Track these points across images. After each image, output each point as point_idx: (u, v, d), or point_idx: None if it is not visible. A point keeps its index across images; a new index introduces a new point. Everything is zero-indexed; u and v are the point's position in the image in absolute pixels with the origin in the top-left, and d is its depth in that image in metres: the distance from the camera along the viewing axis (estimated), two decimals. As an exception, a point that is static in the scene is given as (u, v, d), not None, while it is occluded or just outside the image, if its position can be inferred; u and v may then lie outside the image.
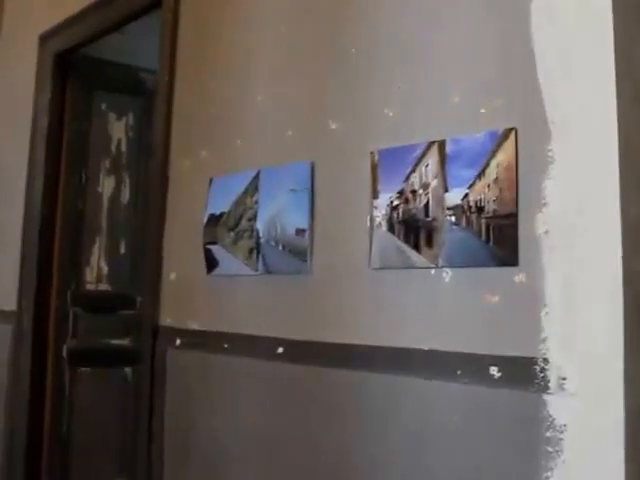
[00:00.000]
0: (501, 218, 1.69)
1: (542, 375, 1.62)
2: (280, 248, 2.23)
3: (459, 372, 1.78)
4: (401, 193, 1.90)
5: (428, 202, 1.85)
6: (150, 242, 2.84)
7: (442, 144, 1.84)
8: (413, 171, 1.88)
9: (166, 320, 2.76)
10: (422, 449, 1.84)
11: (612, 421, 1.49)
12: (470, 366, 1.76)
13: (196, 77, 2.79)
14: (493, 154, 1.71)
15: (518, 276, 1.69)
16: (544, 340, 1.63)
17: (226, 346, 2.47)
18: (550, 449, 1.59)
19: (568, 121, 1.63)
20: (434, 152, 1.85)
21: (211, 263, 2.50)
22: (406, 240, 1.87)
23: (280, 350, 2.26)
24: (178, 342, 2.68)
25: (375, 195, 1.95)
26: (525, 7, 1.73)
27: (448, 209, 1.77)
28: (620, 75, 1.56)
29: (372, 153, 2.01)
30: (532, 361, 1.64)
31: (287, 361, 2.24)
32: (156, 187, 2.84)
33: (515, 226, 1.69)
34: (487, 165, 1.72)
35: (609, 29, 1.58)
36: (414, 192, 1.87)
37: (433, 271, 1.86)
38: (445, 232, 1.78)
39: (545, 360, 1.62)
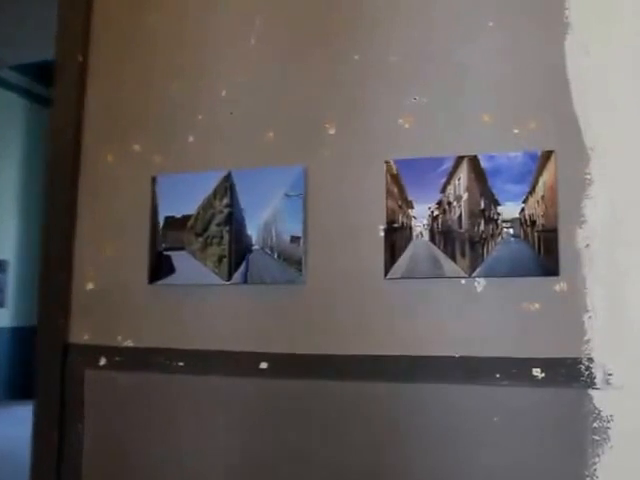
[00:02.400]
0: (547, 232, 1.85)
1: (587, 373, 1.81)
2: (276, 256, 2.07)
3: (497, 375, 1.88)
4: (440, 204, 1.94)
5: (461, 214, 1.93)
6: (53, 246, 2.36)
7: (474, 159, 1.93)
8: (448, 183, 1.94)
9: (82, 337, 2.32)
10: (454, 451, 1.89)
11: (656, 409, 1.75)
12: (510, 369, 1.87)
13: (120, 59, 2.42)
14: (540, 173, 1.87)
15: (559, 285, 1.86)
16: (587, 341, 1.82)
17: (181, 364, 2.18)
18: (597, 437, 1.79)
19: (605, 147, 1.86)
20: (465, 166, 1.93)
21: (162, 271, 2.20)
22: (445, 250, 1.92)
23: (263, 365, 2.09)
24: (103, 362, 2.28)
25: (409, 205, 1.96)
26: (560, 37, 1.93)
27: (504, 221, 1.87)
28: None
29: (387, 162, 2.01)
30: (576, 361, 1.82)
31: (274, 377, 2.08)
32: (60, 183, 2.38)
33: (556, 240, 1.86)
34: (536, 182, 1.86)
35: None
36: (450, 204, 1.93)
37: (464, 281, 1.94)
38: (495, 243, 1.88)
39: (590, 359, 1.81)
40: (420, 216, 1.94)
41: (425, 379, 1.94)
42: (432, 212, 1.94)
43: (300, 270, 2.05)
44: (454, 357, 1.92)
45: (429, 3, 2.08)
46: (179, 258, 2.18)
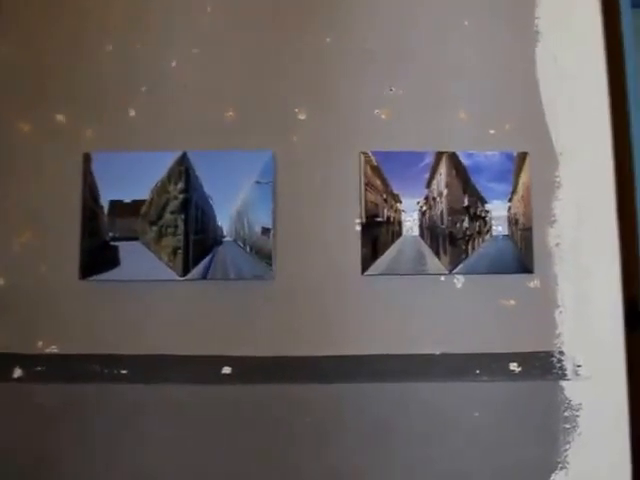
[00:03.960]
0: (525, 231, 1.91)
1: (559, 365, 1.91)
2: (248, 249, 1.88)
3: (477, 371, 1.90)
4: (427, 199, 1.90)
5: (442, 210, 1.91)
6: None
7: (453, 156, 1.93)
8: (432, 178, 1.91)
9: (-14, 344, 1.90)
10: (438, 447, 1.88)
11: (618, 396, 1.90)
12: (489, 365, 1.90)
13: (41, 15, 2.01)
14: (518, 173, 1.92)
15: (533, 282, 1.93)
16: (558, 335, 1.92)
17: (124, 372, 1.89)
18: (568, 425, 1.89)
19: (571, 153, 1.97)
20: (444, 162, 1.93)
21: (101, 264, 1.88)
22: (431, 246, 1.89)
23: (227, 370, 1.89)
24: (18, 373, 1.89)
25: (396, 199, 1.89)
26: (531, 44, 2.01)
27: (494, 219, 1.88)
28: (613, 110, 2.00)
29: (365, 154, 1.93)
30: (549, 354, 1.91)
31: (239, 382, 1.89)
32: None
33: (531, 239, 1.93)
34: (517, 182, 1.91)
35: (603, 73, 2.01)
36: (434, 199, 1.91)
37: (443, 278, 1.93)
38: (482, 240, 1.89)
39: (561, 352, 1.91)
40: (410, 210, 1.89)
41: (406, 378, 1.90)
42: (421, 207, 1.90)
43: (271, 264, 1.89)
44: (435, 355, 1.91)
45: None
46: (129, 249, 1.88)
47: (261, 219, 1.90)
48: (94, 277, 1.89)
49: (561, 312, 1.93)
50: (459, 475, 1.88)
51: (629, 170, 2.02)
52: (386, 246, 1.89)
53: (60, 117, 1.98)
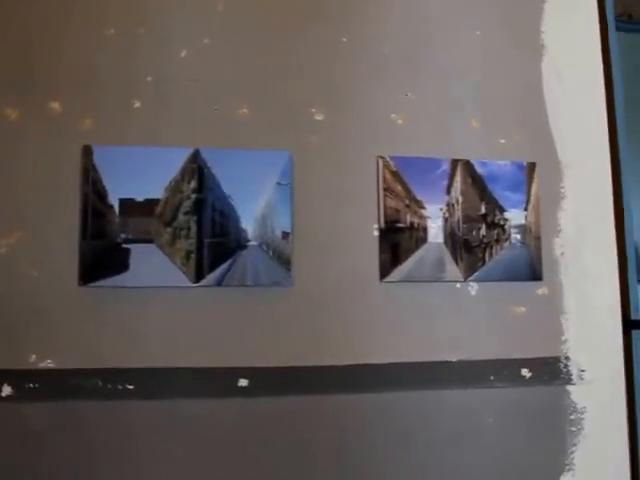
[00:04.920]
0: (536, 239, 1.95)
1: (565, 370, 1.97)
2: (271, 254, 1.77)
3: (492, 377, 1.92)
4: (448, 206, 1.89)
5: (459, 218, 1.92)
6: None
7: (468, 164, 1.94)
8: (451, 185, 1.91)
9: (-33, 359, 1.66)
10: (456, 454, 1.87)
11: (618, 399, 1.99)
12: (502, 371, 1.92)
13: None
14: (530, 183, 1.96)
15: (542, 289, 1.98)
16: (565, 341, 1.98)
17: (130, 387, 1.72)
18: (574, 428, 1.95)
19: (574, 165, 2.04)
20: (460, 170, 1.93)
21: (107, 269, 1.70)
22: (452, 253, 1.88)
23: (243, 383, 1.78)
24: (7, 391, 1.66)
25: (420, 205, 1.86)
26: (537, 57, 2.06)
27: (513, 227, 1.90)
28: (612, 123, 2.09)
29: (383, 158, 1.89)
30: (556, 359, 1.97)
31: (256, 395, 1.78)
32: None
33: (540, 247, 1.98)
34: (530, 192, 1.95)
35: (602, 90, 2.10)
36: (453, 206, 1.90)
37: (459, 285, 1.93)
38: (500, 248, 1.91)
39: (567, 358, 1.97)
40: (434, 217, 1.88)
41: (425, 386, 1.88)
42: (444, 213, 1.89)
43: (290, 270, 1.80)
44: (452, 362, 1.90)
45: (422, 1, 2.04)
46: (142, 252, 1.71)
47: (281, 222, 1.80)
48: (96, 283, 1.71)
49: (567, 319, 2.00)
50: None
51: (619, 184, 2.12)
52: (409, 252, 1.86)
53: (54, 104, 1.78)
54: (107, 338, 1.73)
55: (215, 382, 1.77)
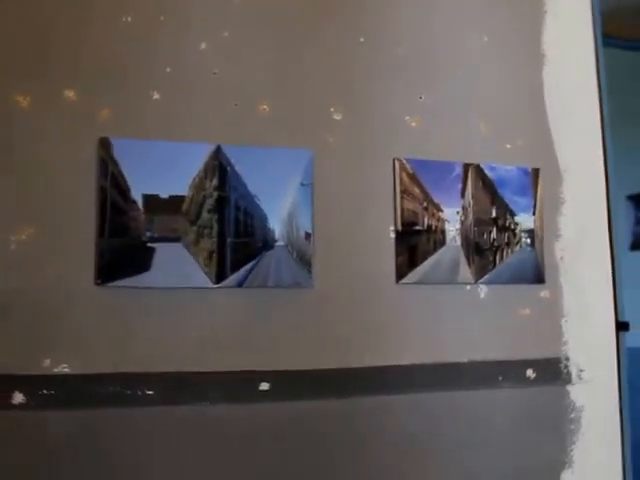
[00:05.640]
0: (541, 244, 2.02)
1: (566, 370, 2.04)
2: (295, 255, 1.73)
3: (500, 378, 1.96)
4: (463, 209, 1.91)
5: (471, 221, 1.95)
6: None
7: (478, 168, 1.98)
8: (465, 189, 1.93)
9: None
10: (468, 455, 1.90)
11: (612, 397, 2.09)
12: (509, 372, 1.97)
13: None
14: (536, 188, 2.02)
15: (544, 292, 2.04)
16: (565, 343, 2.05)
17: (150, 393, 1.64)
18: (573, 426, 2.03)
19: (573, 172, 2.12)
20: (471, 174, 1.97)
21: (128, 268, 1.61)
22: (466, 256, 1.91)
23: (264, 386, 1.73)
24: (19, 399, 1.55)
25: (437, 208, 1.87)
26: (539, 65, 2.12)
27: (523, 231, 1.95)
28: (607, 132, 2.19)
29: (399, 160, 1.90)
30: (558, 360, 2.04)
31: (277, 399, 1.74)
32: None
33: (542, 251, 2.04)
34: (536, 197, 2.01)
35: (596, 101, 2.19)
36: (467, 210, 1.93)
37: (469, 287, 1.96)
38: (511, 251, 1.95)
39: (567, 358, 2.05)
40: (452, 220, 1.90)
41: (440, 387, 1.90)
42: (461, 217, 1.91)
43: (311, 272, 1.78)
44: (464, 363, 1.93)
45: (434, 5, 2.06)
46: (168, 251, 1.63)
47: (304, 223, 1.78)
48: (115, 282, 1.62)
49: (566, 320, 2.07)
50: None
51: (609, 192, 2.22)
52: (426, 255, 1.88)
53: (70, 93, 1.67)
54: (125, 341, 1.65)
55: (236, 386, 1.72)
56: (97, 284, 1.62)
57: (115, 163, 1.64)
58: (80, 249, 1.63)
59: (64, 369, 1.60)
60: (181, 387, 1.67)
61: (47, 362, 1.59)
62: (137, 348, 1.65)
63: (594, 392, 2.08)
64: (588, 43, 2.22)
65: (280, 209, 1.74)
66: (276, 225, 1.73)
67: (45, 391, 1.58)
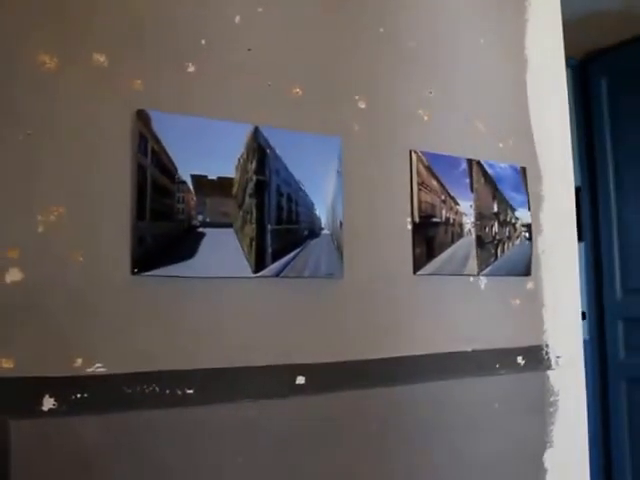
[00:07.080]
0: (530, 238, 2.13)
1: (546, 357, 2.17)
2: (335, 244, 1.66)
3: (497, 366, 2.04)
4: (474, 203, 1.96)
5: (475, 215, 2.01)
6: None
7: (479, 164, 2.04)
8: (472, 183, 1.98)
9: None
10: (472, 441, 1.96)
11: (579, 381, 2.25)
12: (505, 359, 2.06)
13: None
14: (526, 186, 2.13)
15: (529, 284, 2.16)
16: (545, 331, 2.18)
17: (190, 392, 1.49)
18: (552, 409, 2.17)
19: (549, 171, 2.26)
20: (475, 169, 2.03)
21: (169, 255, 1.45)
22: (476, 248, 1.96)
23: (300, 380, 1.65)
24: (49, 404, 1.33)
25: (455, 201, 1.90)
26: (524, 69, 2.24)
27: (523, 226, 2.03)
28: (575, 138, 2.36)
29: (415, 152, 1.91)
30: (540, 347, 2.16)
31: (314, 393, 1.66)
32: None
33: (530, 245, 2.15)
34: (528, 194, 2.11)
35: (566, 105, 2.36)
36: (474, 204, 1.98)
37: (472, 279, 2.01)
38: (512, 245, 2.03)
39: (547, 345, 2.18)
40: (468, 213, 1.93)
41: (448, 376, 1.94)
42: (474, 210, 1.95)
43: (342, 262, 1.73)
44: (468, 352, 1.99)
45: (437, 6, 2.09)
46: (218, 237, 1.49)
47: (339, 212, 1.72)
48: (153, 272, 1.46)
49: (546, 310, 2.21)
50: (483, 464, 2.00)
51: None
52: (444, 247, 1.90)
53: (99, 57, 1.47)
54: (162, 337, 1.49)
55: (274, 381, 1.62)
56: (134, 273, 1.45)
57: (156, 139, 1.47)
58: (115, 233, 1.44)
59: (98, 369, 1.41)
60: (219, 384, 1.55)
61: (79, 362, 1.39)
62: (174, 344, 1.50)
63: (568, 377, 2.24)
64: (559, 53, 2.38)
65: (325, 196, 1.67)
66: (322, 213, 1.66)
67: (78, 394, 1.37)
